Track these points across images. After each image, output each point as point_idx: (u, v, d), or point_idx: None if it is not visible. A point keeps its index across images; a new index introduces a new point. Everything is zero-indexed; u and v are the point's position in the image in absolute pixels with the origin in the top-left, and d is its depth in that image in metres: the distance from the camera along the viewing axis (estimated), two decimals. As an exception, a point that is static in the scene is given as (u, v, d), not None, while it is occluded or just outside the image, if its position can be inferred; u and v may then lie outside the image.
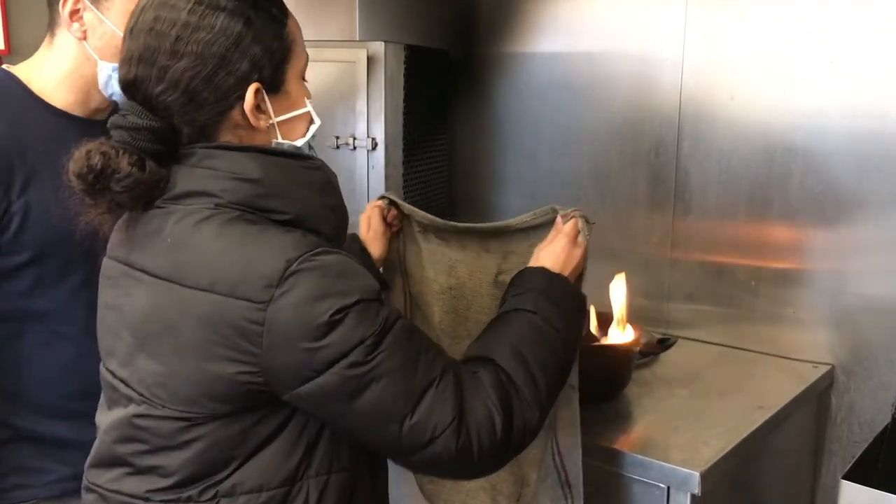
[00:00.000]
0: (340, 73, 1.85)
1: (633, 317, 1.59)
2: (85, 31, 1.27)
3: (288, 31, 0.98)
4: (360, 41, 1.89)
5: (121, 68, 0.96)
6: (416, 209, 1.36)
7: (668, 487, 1.31)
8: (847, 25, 1.67)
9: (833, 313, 1.75)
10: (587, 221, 1.19)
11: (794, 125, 1.75)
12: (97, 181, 0.90)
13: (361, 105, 1.84)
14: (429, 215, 1.35)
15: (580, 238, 1.17)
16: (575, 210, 1.21)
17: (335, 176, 1.01)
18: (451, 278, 1.34)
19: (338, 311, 0.87)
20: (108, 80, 1.30)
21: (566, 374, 1.10)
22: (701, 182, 1.89)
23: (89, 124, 1.28)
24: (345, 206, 1.02)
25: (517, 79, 2.16)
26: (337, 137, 1.87)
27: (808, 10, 1.71)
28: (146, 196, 0.93)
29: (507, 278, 1.21)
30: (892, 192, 1.65)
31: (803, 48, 1.72)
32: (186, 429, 0.92)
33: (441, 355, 0.96)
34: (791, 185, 1.77)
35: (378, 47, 1.82)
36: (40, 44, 1.32)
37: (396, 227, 1.39)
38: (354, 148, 1.87)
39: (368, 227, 1.36)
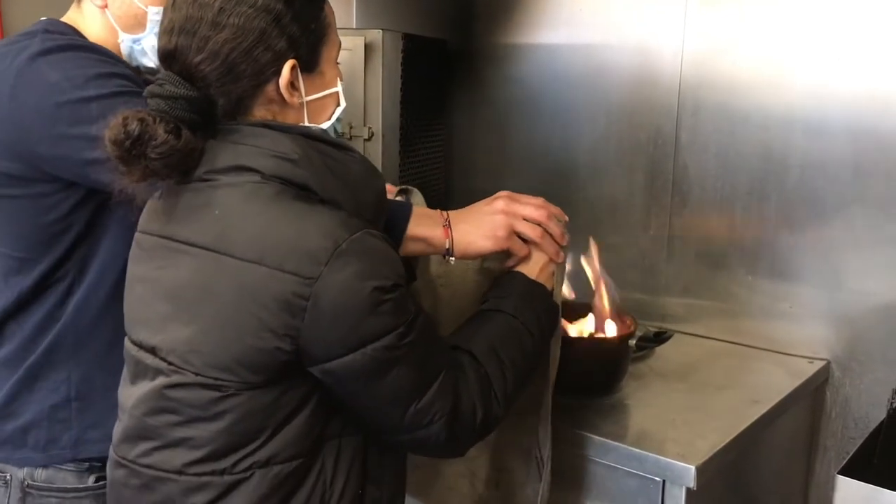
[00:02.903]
0: (337, 61, 1.84)
1: (630, 310, 1.59)
2: (106, 1, 1.28)
3: (325, 15, 1.03)
4: (357, 29, 1.88)
5: (161, 38, 0.98)
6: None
7: (664, 481, 1.31)
8: (849, 18, 1.66)
9: (829, 309, 1.75)
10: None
11: (794, 118, 1.74)
12: (133, 147, 0.91)
13: (358, 94, 1.83)
14: None
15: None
16: None
17: (377, 172, 1.05)
18: (441, 267, 1.35)
19: (380, 294, 0.92)
20: (130, 51, 1.31)
21: (532, 375, 1.18)
22: (699, 175, 1.88)
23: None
24: (382, 204, 1.05)
25: (515, 69, 2.15)
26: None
27: (810, 3, 1.70)
28: (180, 165, 0.95)
29: (491, 265, 1.27)
30: (890, 187, 1.65)
31: (804, 41, 1.72)
32: (219, 400, 0.94)
33: (445, 350, 1.05)
34: (789, 179, 1.76)
35: (376, 35, 1.80)
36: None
37: None
38: (350, 138, 1.85)
39: None
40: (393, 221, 1.12)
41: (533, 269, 1.19)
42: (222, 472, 0.95)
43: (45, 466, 1.29)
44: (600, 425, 1.40)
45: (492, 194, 1.24)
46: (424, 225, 1.15)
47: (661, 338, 1.81)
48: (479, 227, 1.16)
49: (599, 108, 2.01)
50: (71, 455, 1.28)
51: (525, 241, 1.19)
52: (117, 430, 1.06)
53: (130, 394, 1.03)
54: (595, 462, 1.38)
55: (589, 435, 1.37)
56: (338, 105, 1.07)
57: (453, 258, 1.17)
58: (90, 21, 1.30)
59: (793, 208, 1.77)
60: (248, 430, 0.95)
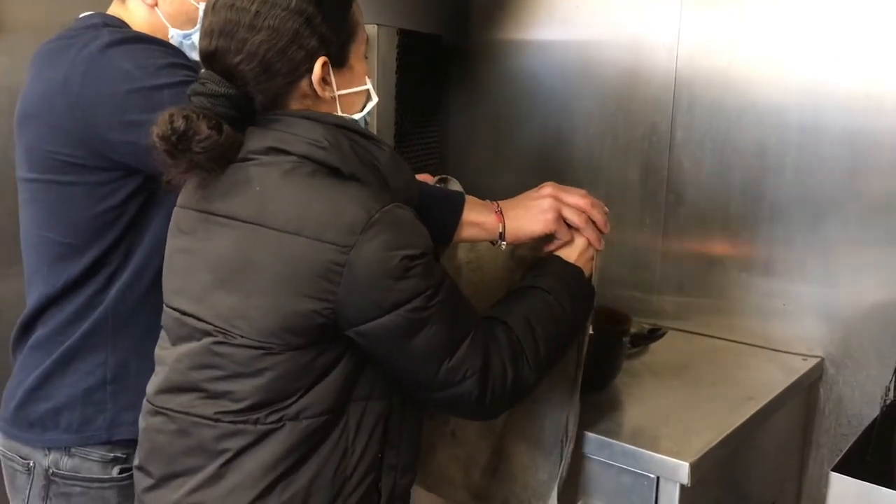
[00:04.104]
0: (332, 56, 1.83)
1: (624, 307, 1.59)
2: None
3: (352, 14, 1.09)
4: (352, 24, 1.87)
5: (202, 40, 1.05)
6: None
7: (658, 477, 1.31)
8: (845, 16, 1.66)
9: (823, 306, 1.75)
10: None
11: (789, 116, 1.74)
12: (180, 142, 0.98)
13: (353, 89, 1.82)
14: None
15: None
16: None
17: (404, 164, 1.11)
18: (472, 253, 1.39)
19: (409, 261, 0.98)
20: (180, 46, 1.32)
21: (565, 349, 1.22)
22: (693, 172, 1.88)
23: None
24: (411, 192, 1.10)
25: (511, 66, 2.15)
26: (328, 121, 1.85)
27: (806, 1, 1.70)
28: (222, 158, 1.02)
29: (523, 252, 1.32)
30: (884, 186, 1.65)
31: (799, 39, 1.72)
32: (261, 357, 1.01)
33: (474, 312, 1.10)
34: (784, 177, 1.76)
35: (370, 30, 1.80)
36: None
37: None
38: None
39: None
40: (450, 208, 1.21)
41: (572, 253, 1.24)
42: (255, 422, 1.02)
43: (70, 455, 1.29)
44: (594, 422, 1.40)
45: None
46: (478, 211, 1.22)
47: (655, 335, 1.81)
48: (529, 211, 1.23)
49: (594, 104, 2.01)
50: (106, 436, 1.29)
51: (569, 226, 1.25)
52: (153, 382, 1.12)
53: (172, 351, 1.09)
54: (589, 458, 1.38)
55: (583, 431, 1.37)
56: (368, 99, 1.14)
57: (504, 242, 1.22)
58: (136, 17, 1.31)
59: (787, 206, 1.77)
60: (284, 386, 1.02)
